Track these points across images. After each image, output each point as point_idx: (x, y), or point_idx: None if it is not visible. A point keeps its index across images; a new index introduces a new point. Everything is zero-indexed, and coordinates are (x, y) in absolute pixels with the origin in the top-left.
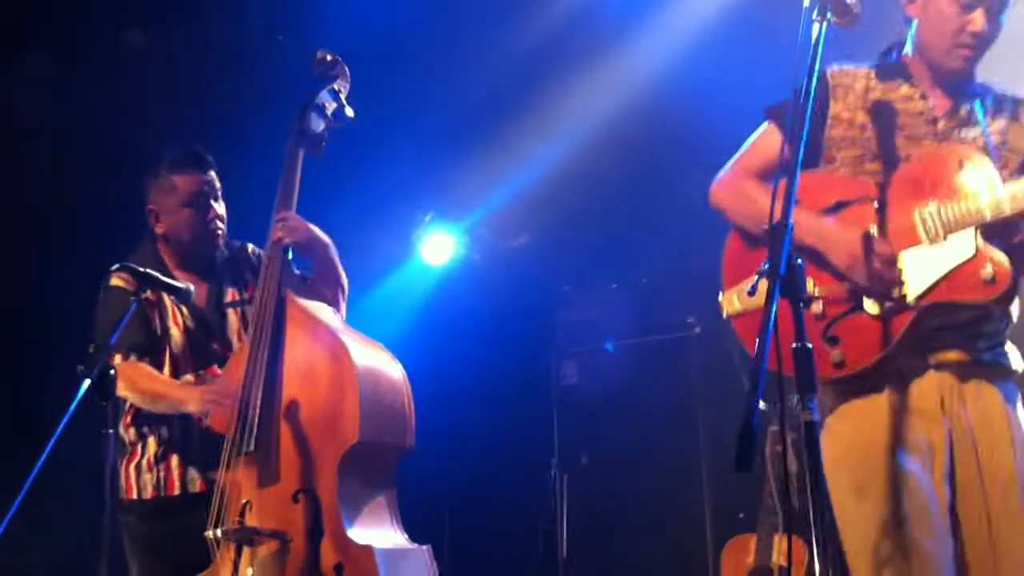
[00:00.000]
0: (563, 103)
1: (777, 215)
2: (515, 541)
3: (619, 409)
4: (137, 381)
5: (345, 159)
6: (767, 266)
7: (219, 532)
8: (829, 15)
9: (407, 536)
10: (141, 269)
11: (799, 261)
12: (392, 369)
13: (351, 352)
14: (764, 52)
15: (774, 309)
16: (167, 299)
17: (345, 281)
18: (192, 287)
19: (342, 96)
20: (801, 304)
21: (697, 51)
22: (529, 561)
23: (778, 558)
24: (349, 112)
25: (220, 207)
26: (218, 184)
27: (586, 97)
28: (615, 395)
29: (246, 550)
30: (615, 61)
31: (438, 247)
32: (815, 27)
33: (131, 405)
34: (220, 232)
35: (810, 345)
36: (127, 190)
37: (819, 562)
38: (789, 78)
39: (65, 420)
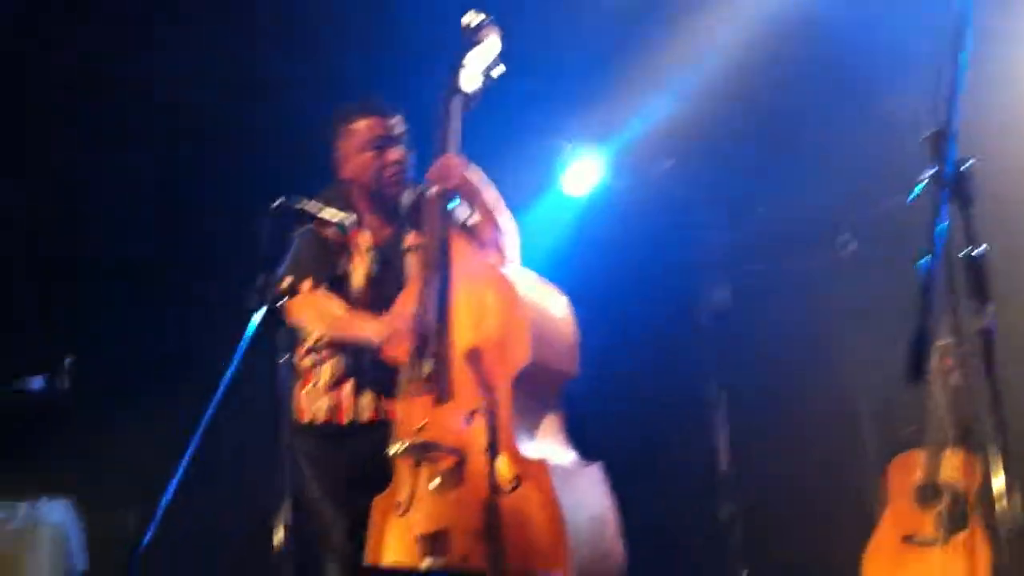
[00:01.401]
0: (704, 26)
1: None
2: (673, 462)
3: (774, 331)
4: (318, 307)
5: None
6: (932, 170)
7: (400, 447)
8: None
9: (577, 454)
10: (299, 205)
11: (969, 163)
12: (556, 299)
13: (518, 283)
14: None
15: (943, 217)
16: (354, 242)
17: (508, 221)
18: (351, 218)
19: (492, 56)
20: (970, 210)
21: None
22: (688, 479)
23: (948, 473)
24: (499, 70)
25: (398, 152)
26: (400, 130)
27: (728, 19)
28: (769, 317)
29: (424, 467)
30: None
31: (581, 176)
32: None
33: (308, 334)
34: (400, 177)
35: (984, 249)
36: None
37: (1000, 478)
38: None
39: (242, 348)
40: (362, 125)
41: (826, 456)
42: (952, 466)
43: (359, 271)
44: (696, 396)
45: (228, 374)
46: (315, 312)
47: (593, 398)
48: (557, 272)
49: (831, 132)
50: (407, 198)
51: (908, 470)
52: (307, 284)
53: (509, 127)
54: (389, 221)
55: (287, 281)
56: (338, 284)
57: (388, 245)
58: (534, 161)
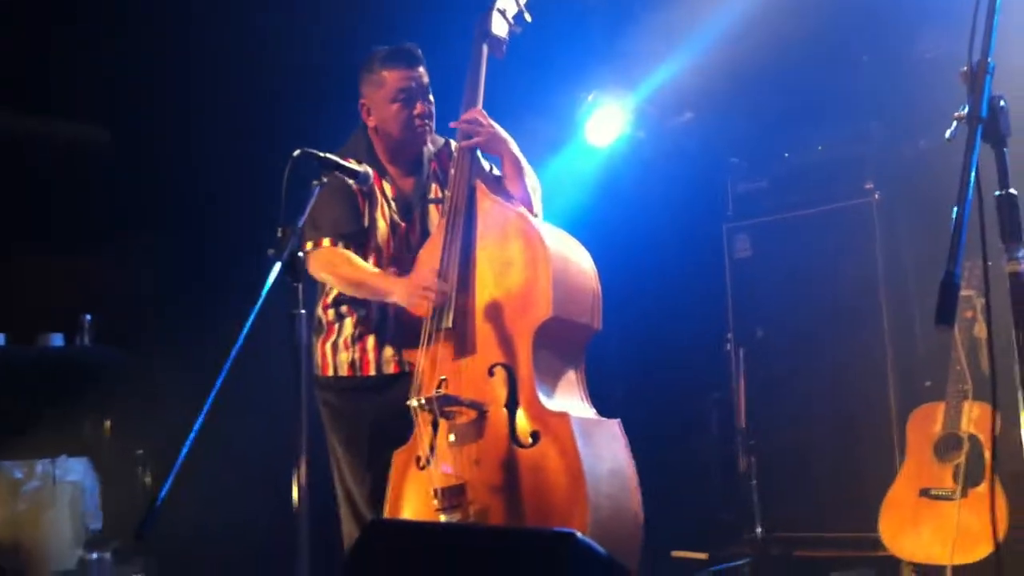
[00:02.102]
0: None
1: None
2: (691, 414)
3: (795, 280)
4: (339, 266)
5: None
6: (966, 109)
7: (420, 400)
8: None
9: (596, 410)
10: (321, 153)
11: (1003, 103)
12: (580, 253)
13: (542, 235)
14: None
15: (975, 156)
16: (378, 191)
17: (533, 177)
18: (370, 170)
19: (522, 1)
20: (1005, 150)
21: None
22: (705, 433)
23: (967, 426)
24: (527, 17)
25: (426, 105)
26: (426, 81)
27: None
28: (790, 266)
29: (444, 421)
30: None
31: (602, 127)
32: None
33: (331, 287)
34: (425, 129)
35: (1016, 192)
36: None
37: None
38: None
39: (260, 301)
40: (390, 76)
41: (848, 408)
42: (971, 419)
43: (381, 222)
44: (717, 348)
45: (246, 328)
46: (336, 272)
47: (610, 351)
48: (579, 222)
49: (857, 76)
50: (429, 149)
51: (928, 423)
52: (327, 240)
53: (532, 77)
54: (411, 172)
55: (308, 240)
56: (362, 234)
57: (411, 195)
58: (557, 111)
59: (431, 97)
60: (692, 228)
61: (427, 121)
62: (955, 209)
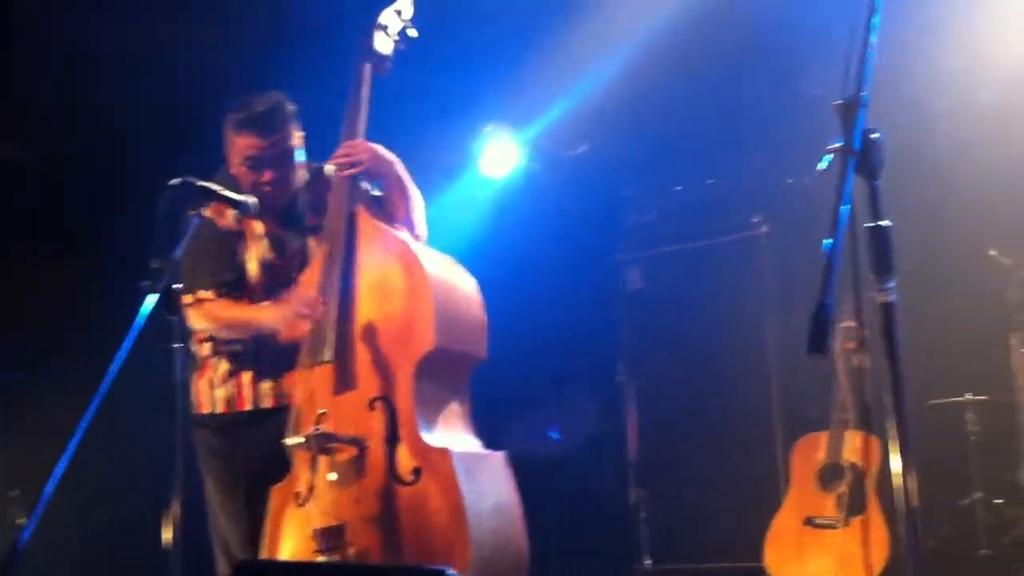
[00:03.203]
0: (623, 7)
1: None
2: (582, 447)
3: (686, 312)
4: (220, 315)
5: (402, 68)
6: (839, 142)
7: (297, 440)
8: None
9: (482, 442)
10: (200, 183)
11: (875, 136)
12: (465, 280)
13: (424, 263)
14: None
15: (848, 188)
16: (248, 229)
17: (417, 197)
18: (254, 201)
19: (405, 17)
20: (877, 182)
21: None
22: (597, 466)
23: (850, 455)
24: (412, 33)
25: (278, 171)
26: (287, 144)
27: (643, 1)
28: (681, 298)
29: (323, 458)
30: None
31: (498, 158)
32: None
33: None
34: (274, 194)
35: (888, 224)
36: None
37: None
38: None
39: (132, 336)
40: (239, 141)
41: (735, 439)
42: (853, 448)
43: (253, 259)
44: (608, 380)
45: (116, 364)
46: (219, 322)
47: (500, 382)
48: (473, 253)
49: (748, 111)
50: (300, 177)
51: (812, 452)
52: (205, 292)
53: (429, 106)
54: (283, 206)
55: (187, 293)
56: (236, 276)
57: (284, 229)
58: (453, 141)
59: (295, 156)
60: (585, 259)
61: (277, 187)
62: (826, 241)
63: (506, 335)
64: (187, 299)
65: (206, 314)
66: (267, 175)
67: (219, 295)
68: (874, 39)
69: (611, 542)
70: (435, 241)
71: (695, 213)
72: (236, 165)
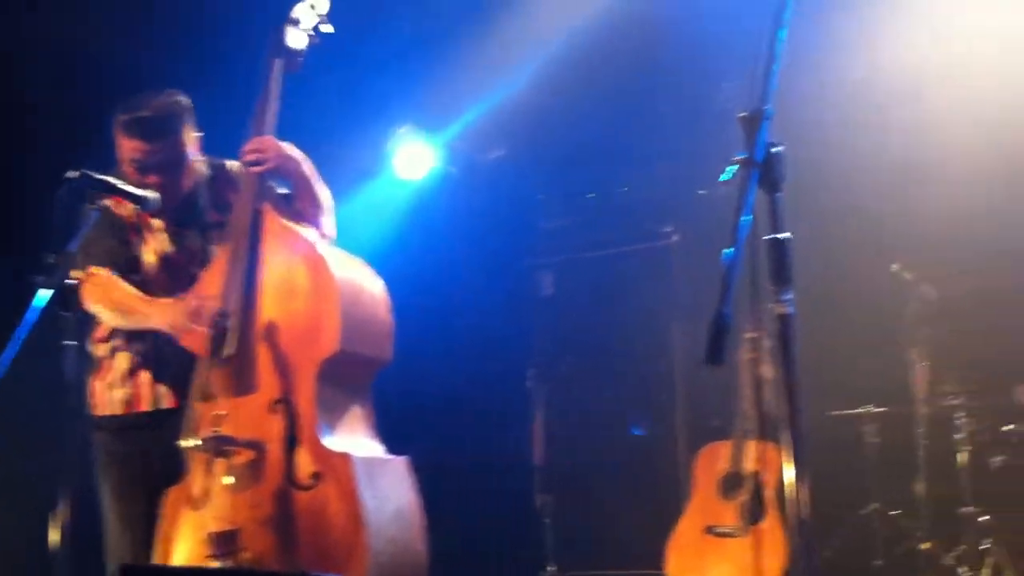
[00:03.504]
0: (538, 15)
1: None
2: (490, 451)
3: (595, 319)
4: (111, 291)
5: (317, 68)
6: (743, 154)
7: (193, 442)
8: None
9: (385, 447)
10: (98, 176)
11: (778, 150)
12: (372, 282)
13: (330, 263)
14: None
15: (750, 200)
16: (146, 221)
17: (326, 196)
18: (155, 195)
19: (320, 12)
20: (778, 195)
21: None
22: (504, 469)
23: (751, 464)
24: (327, 28)
25: (165, 176)
26: (179, 150)
27: (561, 8)
28: (591, 305)
29: (221, 460)
30: None
31: (414, 161)
32: None
33: (102, 321)
34: (163, 196)
35: (788, 236)
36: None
37: (792, 464)
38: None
39: (24, 332)
40: (124, 143)
41: (640, 446)
42: (754, 457)
43: (151, 252)
44: (518, 384)
45: (7, 357)
46: (107, 299)
47: (409, 386)
48: (386, 255)
49: (663, 121)
50: (201, 174)
51: (714, 460)
52: (99, 268)
53: (344, 106)
54: (184, 201)
55: (80, 269)
56: (130, 267)
57: (184, 226)
58: (368, 143)
59: (184, 160)
60: (499, 264)
61: (163, 191)
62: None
63: (417, 338)
64: (79, 275)
65: (96, 290)
66: (152, 179)
67: (109, 271)
68: (779, 53)
69: (516, 548)
70: (347, 242)
71: (608, 221)
72: (123, 164)
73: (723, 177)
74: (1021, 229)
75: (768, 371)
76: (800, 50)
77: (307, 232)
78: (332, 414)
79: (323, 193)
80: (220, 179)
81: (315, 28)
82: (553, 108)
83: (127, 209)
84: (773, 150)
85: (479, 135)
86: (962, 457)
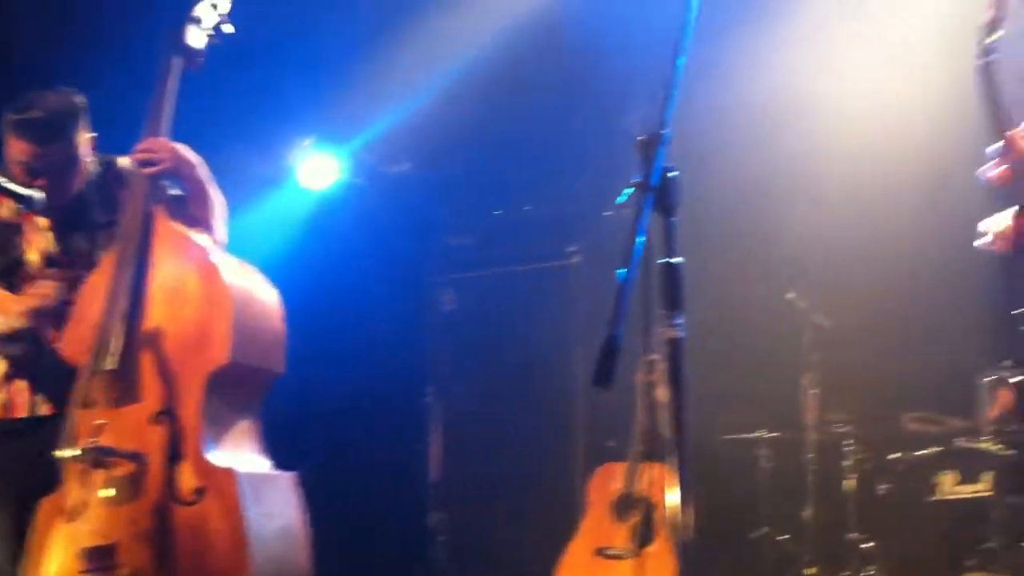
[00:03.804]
0: (447, 30)
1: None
2: (386, 467)
3: (496, 336)
4: None
5: (222, 75)
6: (639, 178)
7: (71, 452)
8: None
9: (272, 462)
10: None
11: (673, 174)
12: (265, 292)
13: (222, 272)
14: None
15: (644, 223)
16: (30, 221)
17: (219, 201)
18: (41, 195)
19: (222, 11)
20: (673, 219)
21: None
22: (399, 485)
23: (644, 486)
24: (228, 28)
25: (55, 179)
26: (66, 152)
27: (470, 24)
28: (492, 322)
29: (99, 472)
30: None
31: (318, 171)
32: None
33: None
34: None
35: (681, 260)
36: None
37: (678, 487)
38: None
39: None
40: (13, 144)
41: (538, 465)
42: (647, 479)
43: (34, 251)
44: (413, 401)
45: None
46: None
47: (304, 399)
48: (287, 265)
49: (571, 142)
50: (88, 172)
51: (608, 481)
52: None
53: (247, 114)
54: (70, 202)
55: None
56: (9, 269)
57: (71, 225)
58: (271, 151)
59: (75, 162)
60: (400, 278)
61: (50, 193)
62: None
63: (315, 351)
64: None
65: None
66: (40, 182)
67: None
68: (679, 79)
69: (408, 565)
70: (248, 250)
71: (511, 239)
72: (11, 164)
73: (619, 200)
74: (911, 257)
75: (663, 394)
76: (700, 74)
77: (200, 238)
78: (218, 427)
79: (216, 198)
80: (110, 176)
81: (216, 27)
82: (461, 124)
83: (8, 209)
84: (669, 175)
85: (385, 147)
86: (849, 483)
